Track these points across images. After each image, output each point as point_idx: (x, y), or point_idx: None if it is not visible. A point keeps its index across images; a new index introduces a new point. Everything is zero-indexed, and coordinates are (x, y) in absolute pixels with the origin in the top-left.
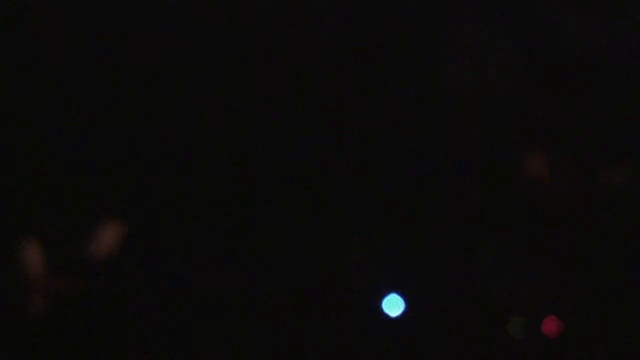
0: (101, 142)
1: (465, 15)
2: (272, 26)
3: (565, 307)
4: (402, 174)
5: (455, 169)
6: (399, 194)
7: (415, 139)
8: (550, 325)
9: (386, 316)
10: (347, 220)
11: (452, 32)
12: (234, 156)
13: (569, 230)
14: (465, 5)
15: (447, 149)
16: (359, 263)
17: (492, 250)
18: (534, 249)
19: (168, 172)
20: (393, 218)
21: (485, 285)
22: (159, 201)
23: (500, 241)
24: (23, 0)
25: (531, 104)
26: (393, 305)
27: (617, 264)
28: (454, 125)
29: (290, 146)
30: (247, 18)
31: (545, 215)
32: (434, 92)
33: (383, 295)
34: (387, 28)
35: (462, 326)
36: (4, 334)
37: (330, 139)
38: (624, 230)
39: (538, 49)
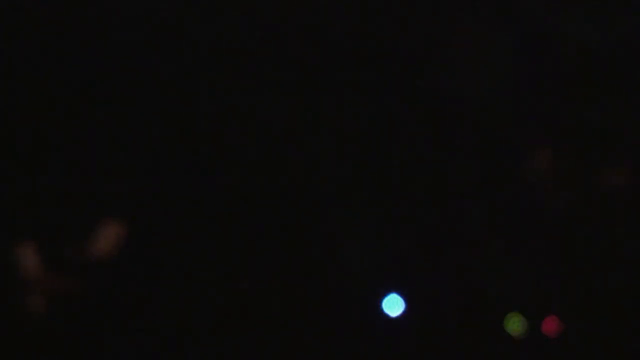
0: (101, 142)
1: (466, 14)
2: (270, 24)
3: (565, 307)
4: (403, 173)
5: (456, 169)
6: (399, 194)
7: (415, 138)
8: (550, 325)
9: (386, 316)
10: (347, 220)
11: (453, 32)
12: (233, 156)
13: (569, 230)
14: (467, 5)
15: (448, 149)
16: (359, 263)
17: (493, 250)
18: (534, 249)
19: (168, 172)
20: (393, 218)
21: (485, 285)
22: (159, 201)
23: (501, 241)
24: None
25: (532, 104)
26: (393, 305)
27: (617, 264)
28: (454, 125)
29: (290, 146)
30: (247, 16)
31: (546, 215)
32: (434, 92)
33: (383, 295)
34: (387, 28)
35: (462, 326)
36: (3, 334)
37: (330, 139)
38: (624, 230)
39: (539, 48)
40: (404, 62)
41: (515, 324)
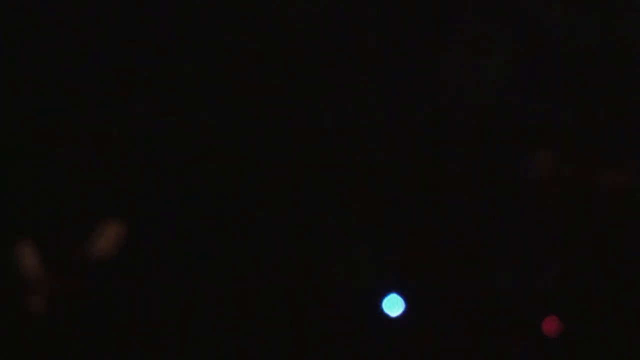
0: (101, 142)
1: (465, 14)
2: (270, 25)
3: (565, 307)
4: (402, 173)
5: (455, 169)
6: (399, 194)
7: (415, 138)
8: (550, 325)
9: (386, 316)
10: (347, 220)
11: (452, 32)
12: (232, 157)
13: (569, 230)
14: (465, 5)
15: (447, 149)
16: (359, 263)
17: (493, 250)
18: (534, 249)
19: (168, 172)
20: (393, 218)
21: (486, 285)
22: (159, 201)
23: (501, 241)
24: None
25: (532, 104)
26: (393, 305)
27: (617, 264)
28: (453, 125)
29: (290, 147)
30: (246, 17)
31: (546, 215)
32: (433, 92)
33: (383, 295)
34: (386, 27)
35: (462, 326)
36: (3, 334)
37: (329, 139)
38: (624, 231)
39: (539, 48)
40: (404, 63)
41: (515, 324)
